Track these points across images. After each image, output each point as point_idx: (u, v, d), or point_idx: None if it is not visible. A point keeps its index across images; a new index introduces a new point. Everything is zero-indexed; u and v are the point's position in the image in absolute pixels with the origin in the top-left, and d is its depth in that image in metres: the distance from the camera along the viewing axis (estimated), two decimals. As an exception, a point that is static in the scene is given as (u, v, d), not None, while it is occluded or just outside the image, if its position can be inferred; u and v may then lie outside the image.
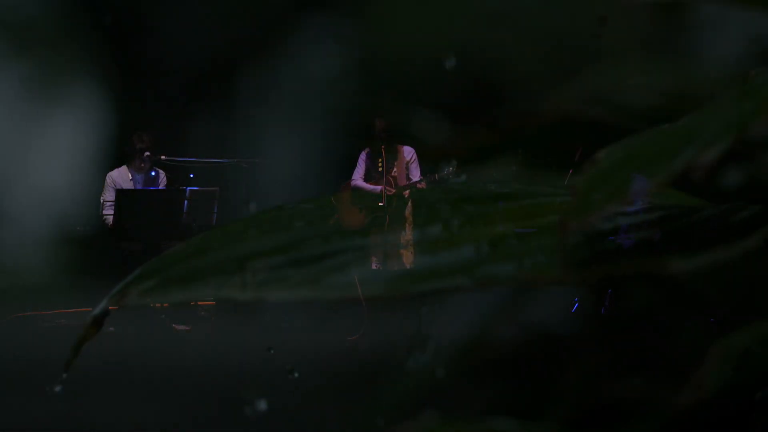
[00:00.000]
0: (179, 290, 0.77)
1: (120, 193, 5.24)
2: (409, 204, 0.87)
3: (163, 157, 5.37)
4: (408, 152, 4.94)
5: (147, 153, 5.34)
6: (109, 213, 5.29)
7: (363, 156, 4.87)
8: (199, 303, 5.25)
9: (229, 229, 0.84)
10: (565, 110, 1.25)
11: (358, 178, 5.17)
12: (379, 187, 4.78)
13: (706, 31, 1.72)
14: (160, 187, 5.39)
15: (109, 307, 0.78)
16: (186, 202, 5.15)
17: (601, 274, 0.81)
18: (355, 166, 5.03)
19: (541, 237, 0.84)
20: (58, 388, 3.01)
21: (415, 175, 5.01)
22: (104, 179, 5.44)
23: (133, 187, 5.36)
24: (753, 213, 0.85)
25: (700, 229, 0.85)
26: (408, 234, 0.83)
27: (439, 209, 0.91)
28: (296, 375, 2.60)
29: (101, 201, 5.37)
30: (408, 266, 0.85)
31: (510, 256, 0.80)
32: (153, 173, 5.39)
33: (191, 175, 5.45)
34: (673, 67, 1.51)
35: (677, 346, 1.09)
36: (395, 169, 4.83)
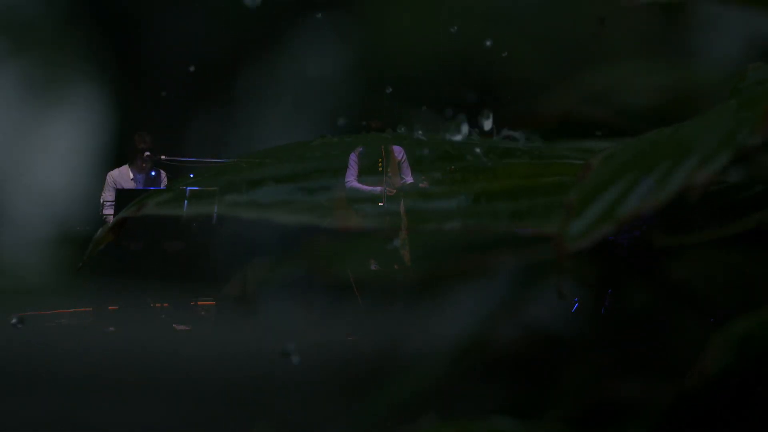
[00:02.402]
0: (191, 203, 0.80)
1: (120, 193, 5.24)
2: (402, 204, 0.87)
3: (163, 157, 5.37)
4: (398, 152, 4.93)
5: (147, 153, 5.34)
6: (109, 213, 5.28)
7: (353, 157, 4.84)
8: (199, 303, 5.25)
9: (248, 158, 0.86)
10: (565, 110, 1.25)
11: (352, 180, 5.13)
12: (378, 188, 4.75)
13: (706, 31, 1.71)
14: (161, 187, 5.39)
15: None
16: (186, 202, 5.14)
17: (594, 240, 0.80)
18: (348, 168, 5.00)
19: (540, 196, 0.83)
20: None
21: (406, 174, 5.00)
22: (104, 179, 5.44)
23: (134, 187, 5.36)
24: (754, 193, 0.84)
25: (703, 206, 0.85)
26: (404, 233, 0.83)
27: (442, 158, 0.91)
28: None
29: (101, 201, 5.37)
30: (407, 263, 0.85)
31: (504, 211, 0.80)
32: (153, 173, 5.38)
33: (191, 175, 5.43)
34: (673, 67, 1.50)
35: (677, 346, 1.09)
36: (390, 170, 4.82)
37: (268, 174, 0.85)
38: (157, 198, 0.82)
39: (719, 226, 0.80)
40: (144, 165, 5.34)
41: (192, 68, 5.56)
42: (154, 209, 0.81)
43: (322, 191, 0.83)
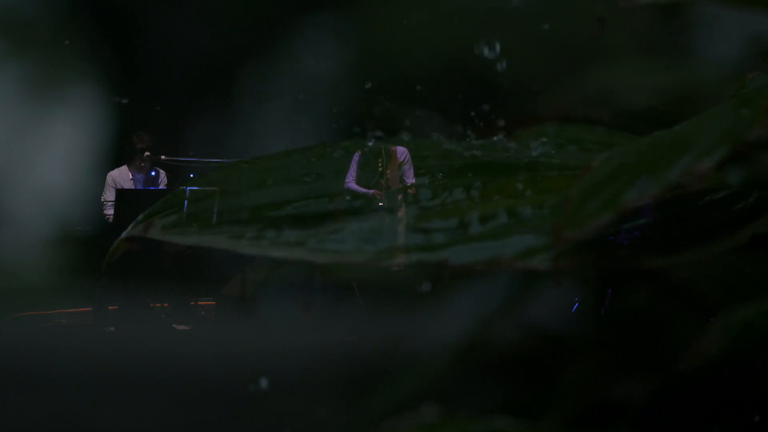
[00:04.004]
0: (196, 234, 0.81)
1: (119, 193, 5.24)
2: (403, 207, 0.87)
3: (163, 157, 5.37)
4: (401, 153, 4.91)
5: (147, 153, 5.34)
6: (110, 213, 5.29)
7: (356, 158, 4.84)
8: (199, 303, 5.25)
9: (250, 173, 0.87)
10: (564, 110, 1.25)
11: (351, 181, 5.12)
12: (372, 191, 4.74)
13: (706, 31, 1.71)
14: (161, 187, 5.39)
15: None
16: (186, 202, 5.14)
17: (584, 264, 0.81)
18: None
19: (535, 215, 0.84)
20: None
21: (409, 175, 4.98)
22: (105, 179, 5.44)
23: (133, 187, 5.36)
24: (754, 200, 0.84)
25: (700, 218, 0.85)
26: (402, 236, 0.83)
27: (440, 173, 0.92)
28: None
29: (102, 201, 5.37)
30: (401, 266, 0.85)
31: (497, 235, 0.80)
32: (153, 173, 5.38)
33: (191, 175, 5.45)
34: (673, 67, 1.50)
35: (677, 346, 1.09)
36: (388, 171, 4.81)
37: (267, 200, 0.87)
38: (164, 220, 0.84)
39: (712, 242, 0.80)
40: (143, 165, 5.34)
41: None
42: (159, 233, 0.83)
43: (316, 221, 0.84)
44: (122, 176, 5.36)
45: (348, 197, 0.91)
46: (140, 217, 0.86)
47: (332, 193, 0.89)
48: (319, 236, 0.83)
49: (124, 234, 0.85)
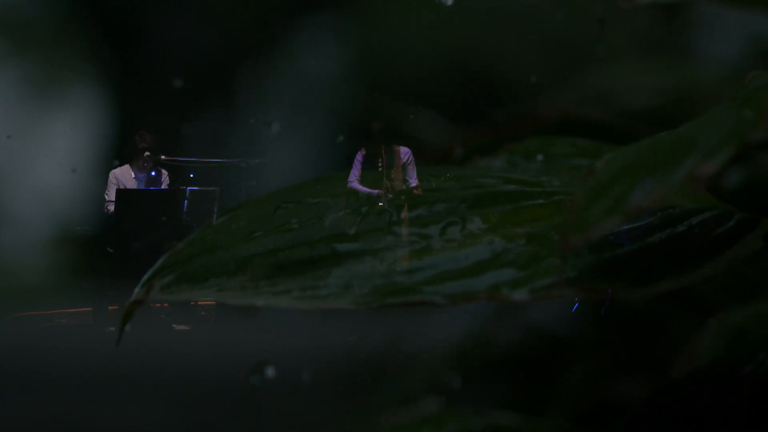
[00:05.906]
0: (189, 290, 0.84)
1: (119, 193, 5.24)
2: (406, 207, 0.87)
3: (163, 157, 5.36)
4: (404, 153, 4.90)
5: (147, 153, 5.34)
6: (112, 212, 5.29)
7: (359, 157, 4.82)
8: (200, 303, 5.25)
9: (237, 227, 0.89)
10: (564, 111, 1.25)
11: (354, 180, 5.09)
12: (375, 191, 4.72)
13: (706, 31, 1.71)
14: (162, 187, 5.39)
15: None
16: (186, 202, 5.14)
17: (563, 296, 0.81)
18: (352, 167, 4.97)
19: (519, 247, 0.84)
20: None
21: (412, 176, 4.97)
22: (106, 178, 5.44)
23: (135, 186, 5.37)
24: (734, 224, 0.84)
25: (687, 241, 0.85)
26: (405, 237, 0.83)
27: (430, 206, 0.92)
28: None
29: (105, 199, 5.37)
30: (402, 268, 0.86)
31: (478, 271, 0.81)
32: (154, 173, 5.39)
33: (191, 175, 5.44)
34: (673, 67, 1.51)
35: (677, 346, 1.09)
36: (394, 172, 4.79)
37: (254, 251, 0.89)
38: (162, 281, 0.87)
39: (688, 271, 0.80)
40: (145, 164, 5.34)
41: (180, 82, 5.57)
42: (159, 295, 0.87)
43: (302, 268, 0.86)
44: (124, 175, 5.36)
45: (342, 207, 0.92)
46: (143, 279, 0.91)
47: (315, 240, 0.91)
48: (302, 283, 0.85)
49: (131, 298, 0.89)
